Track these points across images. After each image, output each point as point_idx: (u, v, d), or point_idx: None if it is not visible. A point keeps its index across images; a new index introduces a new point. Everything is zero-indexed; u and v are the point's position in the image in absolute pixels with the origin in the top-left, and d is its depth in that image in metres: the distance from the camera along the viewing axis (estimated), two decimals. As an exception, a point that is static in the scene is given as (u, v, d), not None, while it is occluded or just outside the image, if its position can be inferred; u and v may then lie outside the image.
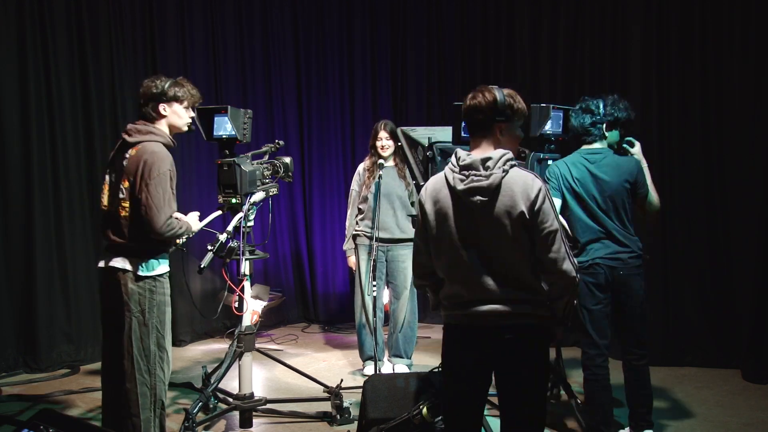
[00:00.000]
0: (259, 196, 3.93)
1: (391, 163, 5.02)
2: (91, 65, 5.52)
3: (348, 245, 5.16)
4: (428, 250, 2.64)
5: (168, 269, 3.37)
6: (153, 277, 3.28)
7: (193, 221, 3.49)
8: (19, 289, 5.25)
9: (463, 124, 2.96)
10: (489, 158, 2.47)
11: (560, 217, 2.64)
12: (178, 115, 3.37)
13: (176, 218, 3.28)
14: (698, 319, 5.26)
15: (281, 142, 4.27)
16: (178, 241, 3.40)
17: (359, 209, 5.09)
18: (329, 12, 6.98)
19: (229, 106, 3.88)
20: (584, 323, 3.59)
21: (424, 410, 3.35)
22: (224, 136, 3.97)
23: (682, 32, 5.31)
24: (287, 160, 4.15)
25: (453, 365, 2.63)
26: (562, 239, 2.47)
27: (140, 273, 3.24)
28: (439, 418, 3.30)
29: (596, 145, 3.73)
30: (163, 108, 3.32)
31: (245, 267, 3.95)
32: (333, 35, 7.01)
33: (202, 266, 3.62)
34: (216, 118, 3.97)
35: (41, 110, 5.29)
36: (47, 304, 5.29)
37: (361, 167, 5.18)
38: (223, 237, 3.73)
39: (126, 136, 3.30)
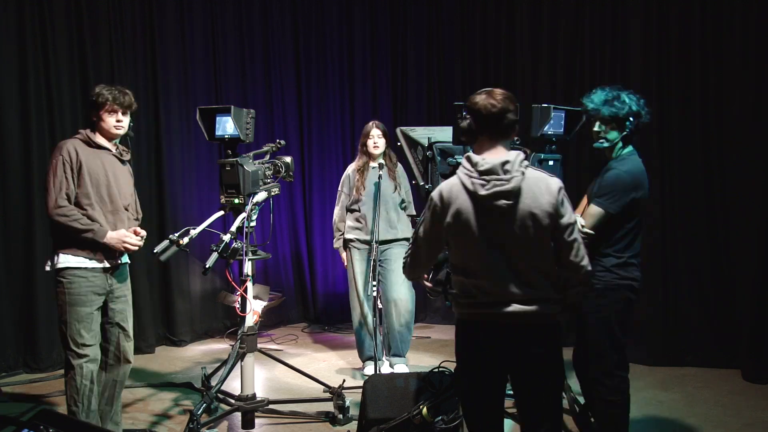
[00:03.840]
0: (261, 196, 3.92)
1: (381, 161, 5.02)
2: (91, 65, 5.51)
3: (338, 243, 5.15)
4: (432, 251, 2.65)
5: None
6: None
7: (113, 234, 3.53)
8: (19, 289, 5.24)
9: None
10: (507, 161, 2.47)
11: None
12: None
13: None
14: (698, 319, 5.26)
15: (282, 142, 4.25)
16: (181, 241, 3.59)
17: (349, 211, 5.06)
18: (329, 12, 6.98)
19: (232, 106, 3.86)
20: (622, 343, 3.27)
21: (424, 410, 3.35)
22: (227, 137, 3.96)
23: (682, 32, 5.32)
24: (288, 159, 4.14)
25: (472, 363, 2.60)
26: (578, 232, 2.54)
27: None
28: (440, 418, 3.31)
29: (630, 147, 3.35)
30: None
31: (248, 267, 3.94)
32: (333, 35, 7.00)
33: (207, 267, 3.60)
34: (218, 118, 3.97)
35: (41, 110, 5.28)
36: (47, 304, 5.27)
37: (350, 169, 5.14)
38: (227, 237, 3.72)
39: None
